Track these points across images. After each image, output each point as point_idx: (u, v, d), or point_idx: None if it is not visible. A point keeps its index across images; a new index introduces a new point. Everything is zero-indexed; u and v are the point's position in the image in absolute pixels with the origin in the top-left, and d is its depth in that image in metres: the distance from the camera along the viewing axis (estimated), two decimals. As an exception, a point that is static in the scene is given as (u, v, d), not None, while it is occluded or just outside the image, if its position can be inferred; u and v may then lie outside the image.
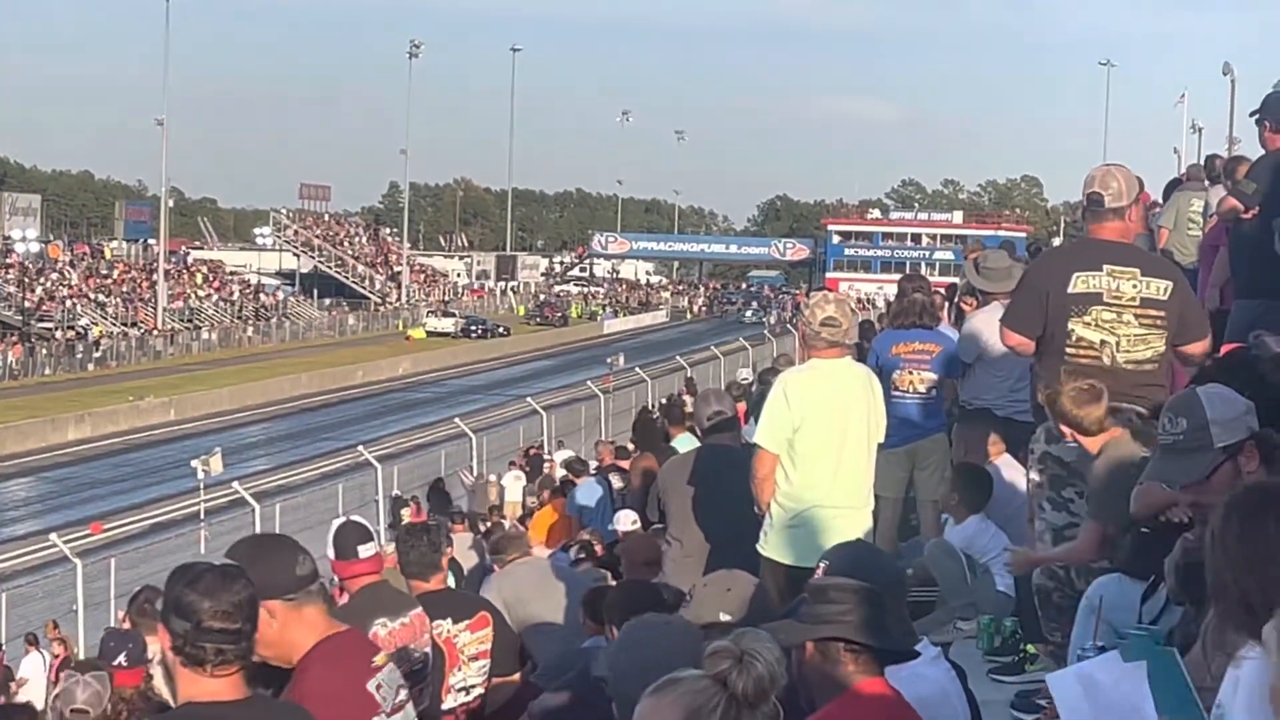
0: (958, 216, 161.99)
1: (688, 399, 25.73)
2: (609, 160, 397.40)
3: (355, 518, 7.88)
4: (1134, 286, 8.46)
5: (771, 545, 8.83)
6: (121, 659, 8.06)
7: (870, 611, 4.82)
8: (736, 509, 9.44)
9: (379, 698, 5.39)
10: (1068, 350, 8.41)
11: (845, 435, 8.78)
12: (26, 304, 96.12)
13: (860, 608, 4.82)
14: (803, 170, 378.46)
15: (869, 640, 4.82)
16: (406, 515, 32.33)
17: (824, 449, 8.73)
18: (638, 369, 55.01)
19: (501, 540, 12.42)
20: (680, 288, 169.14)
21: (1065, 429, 7.70)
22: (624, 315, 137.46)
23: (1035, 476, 8.48)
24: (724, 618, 5.57)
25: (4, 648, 27.35)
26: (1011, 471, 10.72)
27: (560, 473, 27.66)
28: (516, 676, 9.25)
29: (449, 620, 8.59)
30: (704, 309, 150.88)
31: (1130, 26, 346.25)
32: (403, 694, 5.57)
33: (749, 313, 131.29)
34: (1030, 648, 8.68)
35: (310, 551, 5.53)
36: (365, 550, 7.46)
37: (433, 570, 8.83)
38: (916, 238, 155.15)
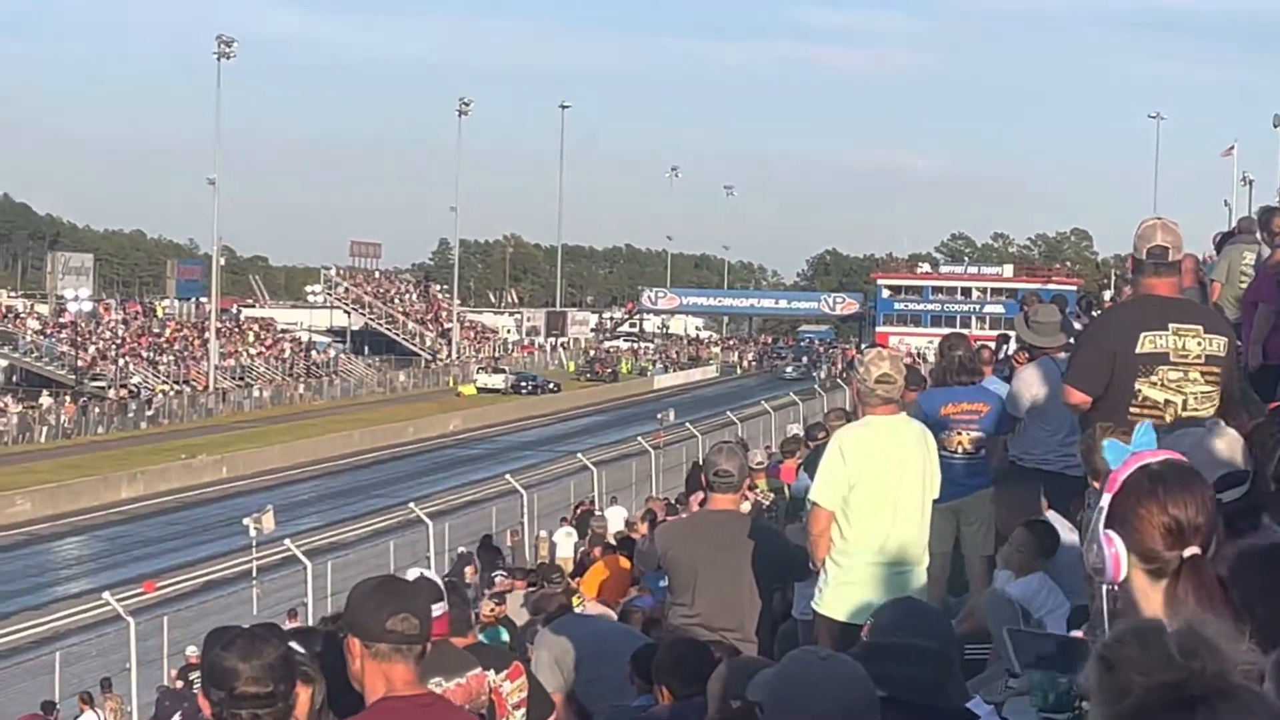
0: (1008, 270, 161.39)
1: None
2: (658, 215, 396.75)
3: (429, 574, 7.86)
4: (1199, 344, 8.39)
5: (826, 602, 8.81)
6: (176, 718, 8.10)
7: (925, 671, 4.82)
8: (735, 575, 9.41)
9: None
10: (1132, 409, 8.32)
11: (900, 492, 8.76)
12: (79, 363, 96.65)
13: (914, 667, 4.81)
14: (852, 224, 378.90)
15: (925, 700, 4.81)
16: (469, 574, 32.45)
17: (879, 506, 8.71)
18: (688, 424, 54.94)
19: (541, 599, 12.37)
20: (730, 343, 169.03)
21: (1095, 482, 7.65)
22: (674, 370, 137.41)
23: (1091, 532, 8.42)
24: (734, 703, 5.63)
25: (58, 707, 27.41)
26: (1060, 527, 10.68)
27: (615, 528, 27.66)
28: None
29: (492, 671, 8.60)
30: (754, 364, 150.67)
31: (1179, 79, 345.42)
32: None
33: (789, 368, 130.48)
34: (1085, 704, 8.63)
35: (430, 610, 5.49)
36: (436, 609, 7.45)
37: (467, 626, 8.87)
38: (967, 291, 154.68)
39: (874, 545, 8.71)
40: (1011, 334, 18.51)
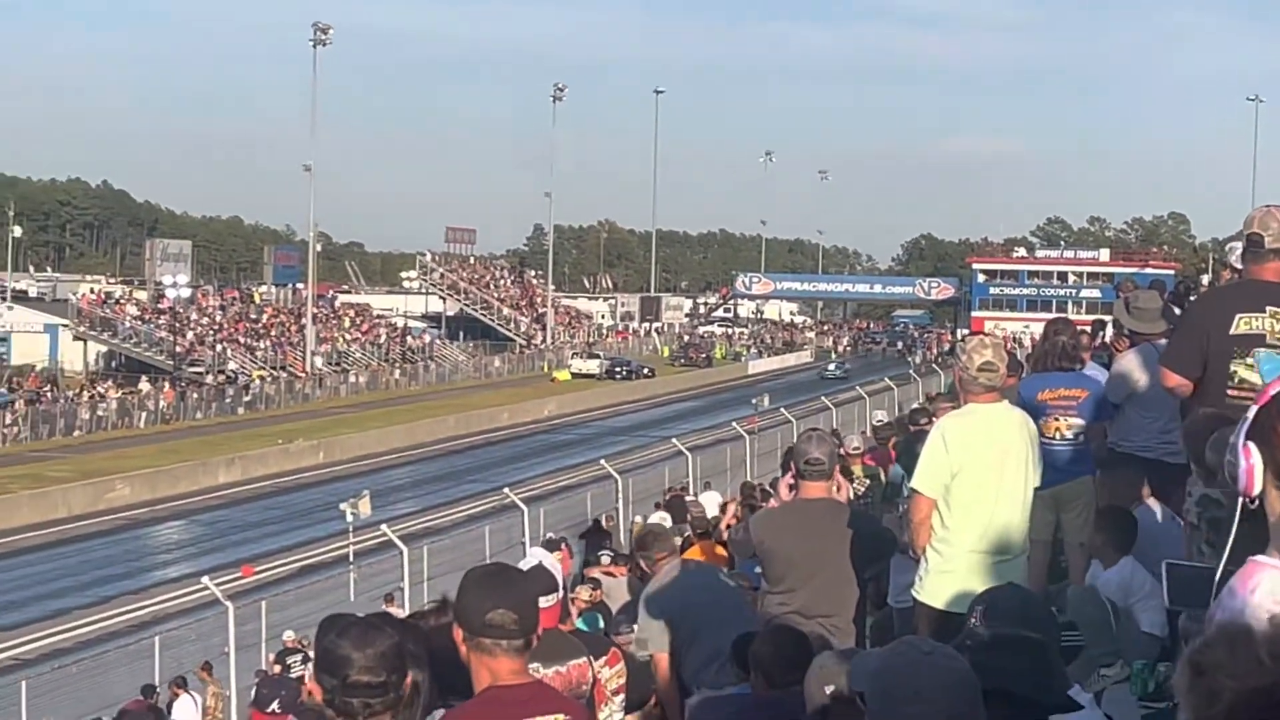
0: (1104, 254, 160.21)
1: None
2: (752, 201, 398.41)
3: (547, 562, 7.85)
4: (1298, 326, 8.31)
5: (926, 590, 8.76)
6: (275, 705, 8.13)
7: (1032, 662, 4.78)
8: (832, 562, 9.38)
9: None
10: (1229, 392, 8.25)
11: (1002, 481, 8.70)
12: (178, 349, 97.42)
13: (1022, 658, 4.77)
14: (947, 209, 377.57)
15: (1033, 694, 4.77)
16: (557, 558, 32.33)
17: (981, 494, 8.65)
18: (782, 409, 54.81)
19: (648, 536, 12.10)
20: (824, 328, 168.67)
21: (1198, 468, 7.58)
22: (768, 356, 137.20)
23: (1193, 520, 8.34)
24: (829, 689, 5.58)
25: (158, 690, 27.63)
26: (1162, 515, 10.59)
27: (713, 513, 27.58)
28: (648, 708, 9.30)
29: (590, 657, 8.61)
30: (849, 349, 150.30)
31: (1279, 62, 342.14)
32: None
33: (831, 365, 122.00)
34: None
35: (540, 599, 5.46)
36: (545, 601, 7.45)
37: (566, 615, 8.89)
38: (1063, 276, 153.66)
39: (975, 534, 8.65)
40: (1108, 319, 18.34)
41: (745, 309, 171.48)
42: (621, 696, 8.92)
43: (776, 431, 48.36)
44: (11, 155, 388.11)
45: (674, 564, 11.29)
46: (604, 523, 38.88)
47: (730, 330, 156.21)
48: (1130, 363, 11.94)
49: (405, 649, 4.72)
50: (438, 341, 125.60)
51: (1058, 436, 11.66)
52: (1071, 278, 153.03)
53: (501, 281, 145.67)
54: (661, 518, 35.68)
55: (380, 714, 4.63)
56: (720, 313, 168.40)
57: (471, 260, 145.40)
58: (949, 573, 8.64)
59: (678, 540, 14.74)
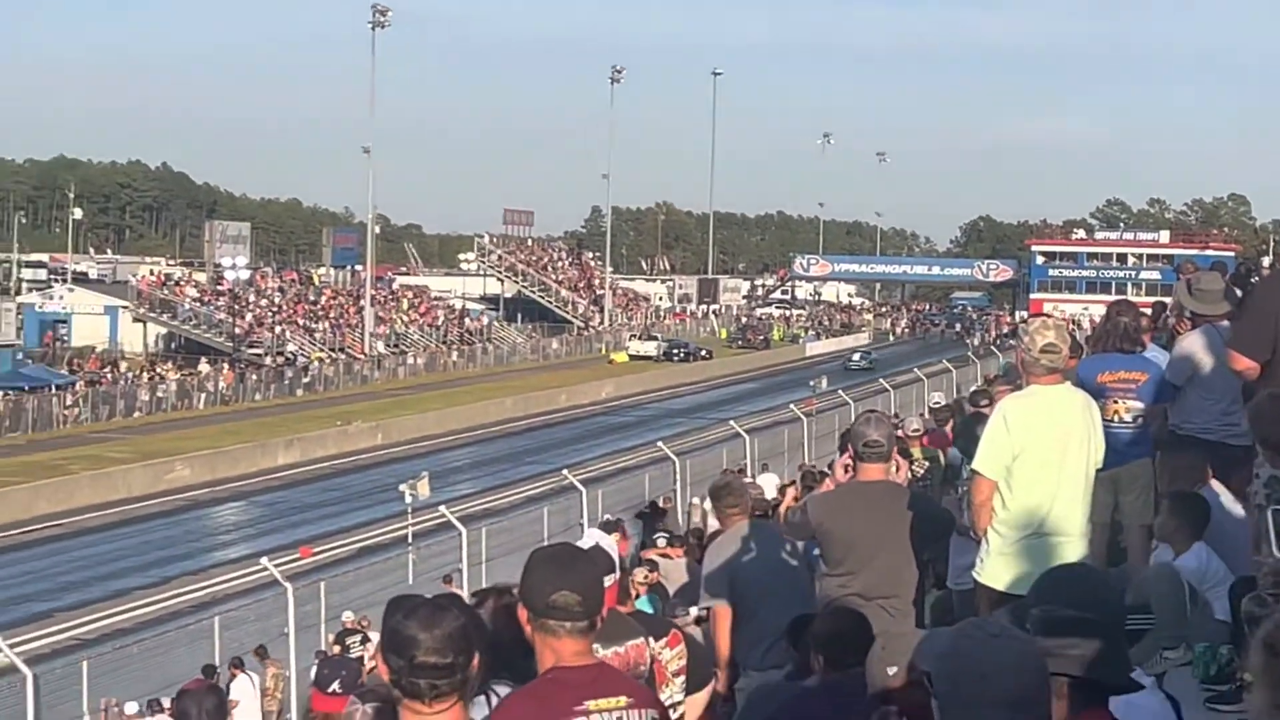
0: (1164, 236, 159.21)
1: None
2: (810, 182, 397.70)
3: (605, 543, 7.84)
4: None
5: (987, 572, 8.72)
6: (335, 686, 8.15)
7: (1097, 645, 4.75)
8: (892, 544, 9.36)
9: None
10: (1297, 373, 8.20)
11: (1064, 462, 8.65)
12: (237, 331, 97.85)
13: (1086, 641, 4.75)
14: (1005, 191, 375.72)
15: (1097, 676, 4.75)
16: (615, 540, 32.36)
17: (1043, 476, 8.60)
18: (840, 391, 54.77)
19: (724, 487, 12.02)
20: (882, 310, 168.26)
21: (1263, 448, 7.54)
22: (826, 338, 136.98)
23: (1260, 501, 8.28)
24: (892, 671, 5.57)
25: (218, 670, 27.76)
26: (1224, 497, 10.53)
27: (770, 495, 27.52)
28: (709, 690, 9.29)
29: (650, 638, 8.60)
30: (907, 331, 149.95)
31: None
32: None
33: (856, 355, 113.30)
34: (1248, 675, 8.48)
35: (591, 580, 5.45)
36: (605, 581, 7.43)
37: (625, 595, 8.88)
38: (1122, 258, 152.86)
39: (1037, 516, 8.61)
40: (1168, 301, 18.23)
41: (803, 291, 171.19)
42: (682, 678, 8.92)
43: (834, 413, 48.31)
44: (72, 138, 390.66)
45: (745, 523, 11.31)
46: (661, 504, 38.92)
47: (788, 312, 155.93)
48: (1192, 344, 11.87)
49: (472, 630, 4.72)
50: (495, 323, 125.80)
51: (1116, 419, 11.60)
52: (1131, 259, 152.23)
53: (559, 263, 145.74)
54: (718, 500, 35.74)
55: (446, 695, 4.64)
56: (778, 295, 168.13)
57: (529, 242, 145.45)
58: (1010, 555, 8.60)
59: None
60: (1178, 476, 11.10)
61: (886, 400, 49.75)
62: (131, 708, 25.50)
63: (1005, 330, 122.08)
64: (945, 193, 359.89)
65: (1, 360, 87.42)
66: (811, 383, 65.01)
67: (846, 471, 9.93)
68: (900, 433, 19.58)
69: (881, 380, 57.10)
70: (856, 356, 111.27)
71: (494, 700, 5.46)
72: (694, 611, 12.76)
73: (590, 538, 7.57)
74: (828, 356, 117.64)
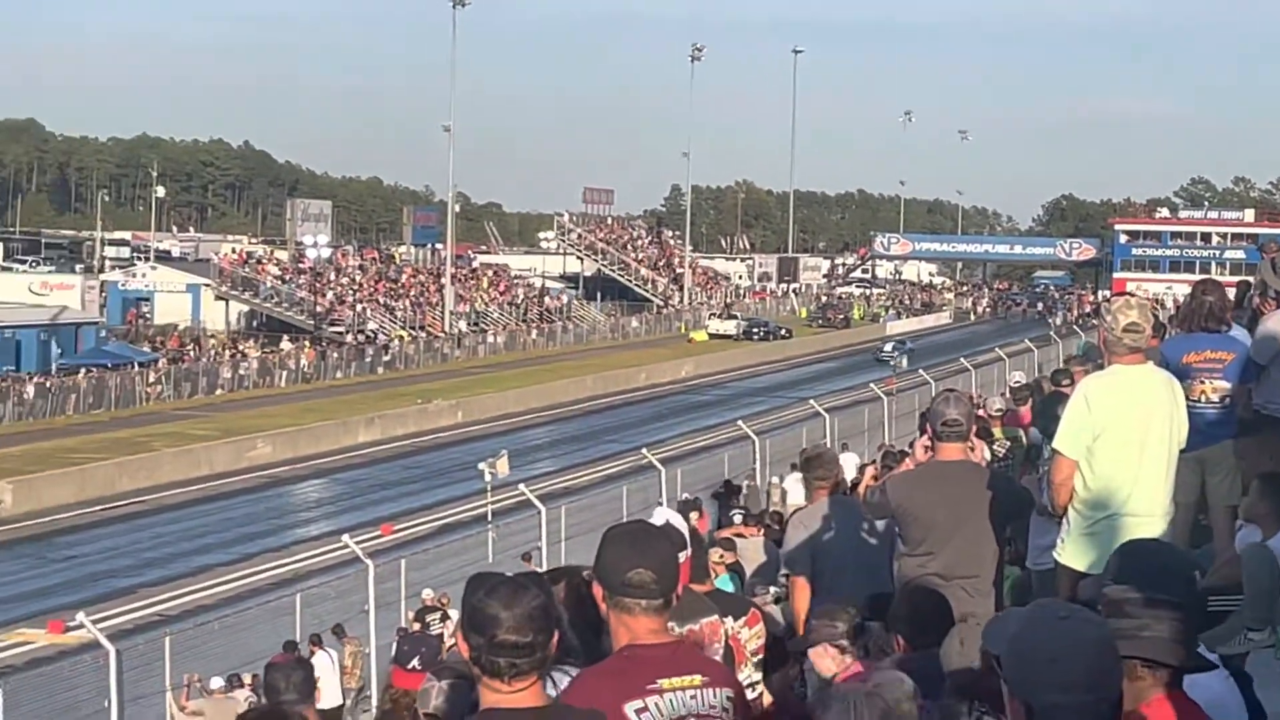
0: (1249, 215, 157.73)
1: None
2: (891, 161, 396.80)
3: (675, 520, 7.82)
4: None
5: (1067, 552, 8.67)
6: (415, 662, 8.16)
7: (1173, 627, 4.71)
8: (972, 524, 9.30)
9: None
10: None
11: (1146, 442, 8.59)
12: (318, 309, 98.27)
13: (1158, 622, 4.71)
14: (1088, 169, 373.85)
15: (1172, 660, 4.71)
16: (695, 519, 32.38)
17: (1124, 456, 8.54)
18: (921, 371, 54.56)
19: (815, 458, 11.98)
20: (963, 289, 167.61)
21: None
22: (907, 317, 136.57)
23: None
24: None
25: (299, 647, 27.89)
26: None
27: (850, 475, 27.42)
28: (786, 670, 9.27)
29: (730, 618, 8.58)
30: (988, 310, 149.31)
31: None
32: None
33: (889, 345, 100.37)
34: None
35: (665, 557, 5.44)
36: (679, 558, 7.40)
37: (704, 575, 8.84)
38: (1206, 237, 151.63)
39: (1118, 496, 8.55)
40: (1253, 280, 18.08)
41: (883, 270, 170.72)
42: (760, 657, 8.90)
43: (914, 393, 48.15)
44: (155, 117, 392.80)
45: (828, 499, 11.29)
46: (738, 483, 38.86)
47: (868, 291, 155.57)
48: (1277, 324, 11.76)
49: (552, 609, 4.72)
50: (575, 302, 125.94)
51: (1204, 399, 11.50)
52: (1215, 239, 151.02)
53: (639, 242, 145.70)
54: (798, 479, 35.65)
55: (525, 674, 4.64)
56: (858, 273, 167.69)
57: (609, 220, 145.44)
58: (1091, 535, 8.55)
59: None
60: (1264, 457, 11.00)
61: (967, 379, 49.52)
62: (214, 683, 25.65)
63: (1088, 310, 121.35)
64: (1028, 171, 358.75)
65: (85, 338, 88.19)
66: (891, 362, 64.80)
67: (926, 451, 9.89)
68: (981, 412, 19.49)
69: (962, 359, 56.84)
70: (889, 347, 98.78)
71: (561, 682, 5.45)
72: (773, 590, 12.75)
73: (660, 515, 7.52)
74: (908, 336, 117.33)
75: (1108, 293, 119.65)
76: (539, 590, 4.71)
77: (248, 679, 25.77)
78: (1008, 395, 26.57)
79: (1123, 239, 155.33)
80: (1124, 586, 4.94)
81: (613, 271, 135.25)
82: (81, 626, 24.17)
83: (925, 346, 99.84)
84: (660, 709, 5.31)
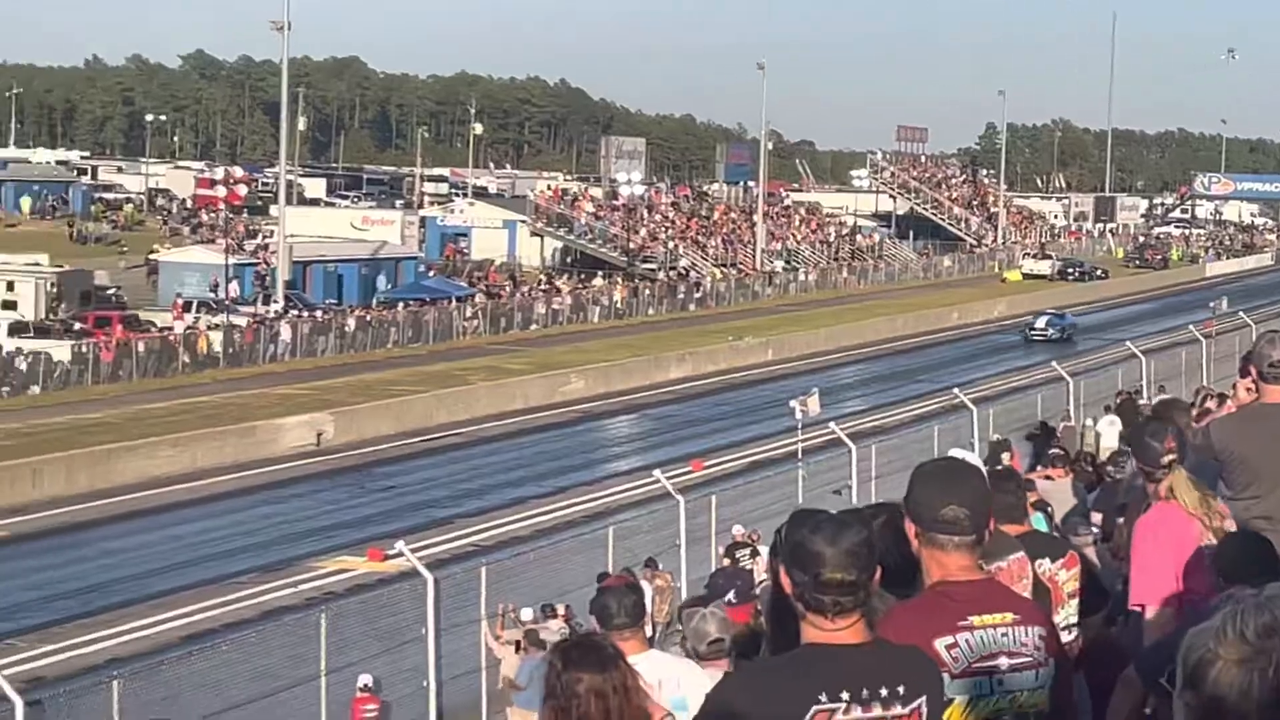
0: None
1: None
2: (1213, 99, 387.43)
3: (971, 456, 7.80)
4: None
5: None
6: (730, 596, 8.25)
7: None
8: None
9: (947, 657, 5.25)
10: None
11: None
12: (631, 246, 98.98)
13: None
14: None
15: None
16: (1007, 460, 32.07)
17: None
18: (1241, 313, 53.33)
19: (1165, 405, 11.74)
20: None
21: None
22: (1227, 258, 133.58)
23: None
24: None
25: (634, 571, 28.11)
26: None
27: (1111, 443, 26.97)
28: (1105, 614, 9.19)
29: (1047, 559, 8.52)
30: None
31: None
32: (1001, 660, 5.36)
33: (1042, 320, 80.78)
34: None
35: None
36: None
37: (1022, 515, 8.79)
38: None
39: None
40: None
41: (1203, 210, 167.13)
42: (1078, 600, 8.83)
43: (1235, 336, 47.10)
44: (474, 54, 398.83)
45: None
46: (1053, 424, 38.36)
47: (1187, 231, 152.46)
48: None
49: (875, 546, 4.73)
50: (887, 240, 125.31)
51: None
52: None
53: (952, 181, 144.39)
54: (1111, 421, 35.09)
55: (849, 611, 4.66)
56: (1177, 214, 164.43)
57: (922, 159, 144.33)
58: None
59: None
60: None
61: (1287, 324, 48.32)
62: (527, 614, 26.07)
63: None
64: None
65: (405, 272, 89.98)
66: (1211, 304, 63.44)
67: (1250, 393, 9.71)
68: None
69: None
70: (1041, 322, 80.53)
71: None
72: (1095, 531, 12.61)
73: (955, 454, 7.50)
74: (1228, 277, 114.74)
75: None
76: (862, 527, 4.74)
77: (561, 609, 26.16)
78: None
79: None
80: None
81: (925, 210, 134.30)
82: (400, 555, 24.61)
83: (1246, 289, 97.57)
84: (971, 645, 5.32)
